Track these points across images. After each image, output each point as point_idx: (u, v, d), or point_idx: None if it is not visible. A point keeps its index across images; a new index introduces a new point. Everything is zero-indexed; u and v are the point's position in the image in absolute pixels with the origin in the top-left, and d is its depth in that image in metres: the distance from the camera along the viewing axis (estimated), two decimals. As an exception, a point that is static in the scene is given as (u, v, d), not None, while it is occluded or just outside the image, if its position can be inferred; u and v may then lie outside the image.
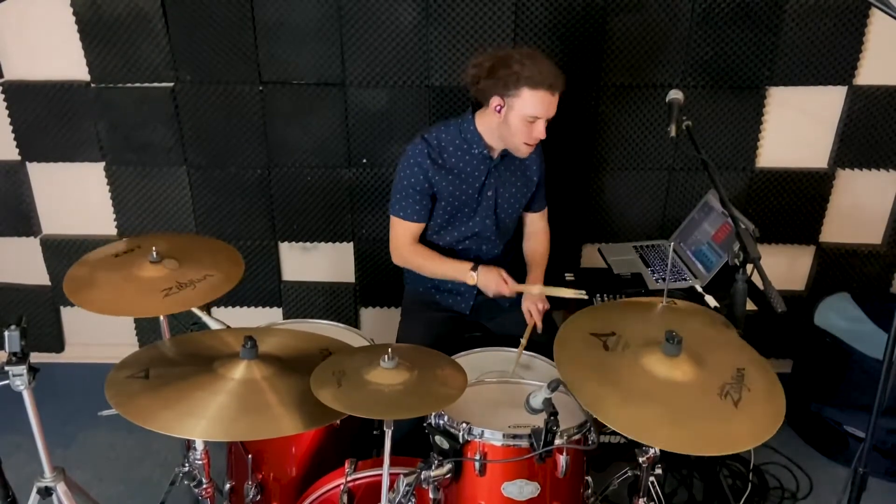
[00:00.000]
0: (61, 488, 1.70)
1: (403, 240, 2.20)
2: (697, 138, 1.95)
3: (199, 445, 1.69)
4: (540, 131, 2.00)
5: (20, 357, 1.54)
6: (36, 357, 1.64)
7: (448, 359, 1.70)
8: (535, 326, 2.15)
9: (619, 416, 1.43)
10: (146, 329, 3.03)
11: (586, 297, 2.08)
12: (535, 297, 2.19)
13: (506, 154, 2.16)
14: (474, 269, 2.14)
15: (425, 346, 1.78)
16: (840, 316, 2.63)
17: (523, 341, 2.03)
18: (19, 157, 2.76)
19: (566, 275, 2.65)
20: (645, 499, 1.73)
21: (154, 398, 1.48)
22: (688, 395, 1.49)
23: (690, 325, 1.77)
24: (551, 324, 2.28)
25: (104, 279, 1.83)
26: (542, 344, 2.01)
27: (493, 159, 2.16)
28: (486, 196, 2.19)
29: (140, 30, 2.52)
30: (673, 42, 2.53)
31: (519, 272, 2.36)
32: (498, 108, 2.01)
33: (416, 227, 2.19)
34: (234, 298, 2.95)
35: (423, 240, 2.25)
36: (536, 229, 2.40)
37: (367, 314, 3.03)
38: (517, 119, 1.99)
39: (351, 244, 2.88)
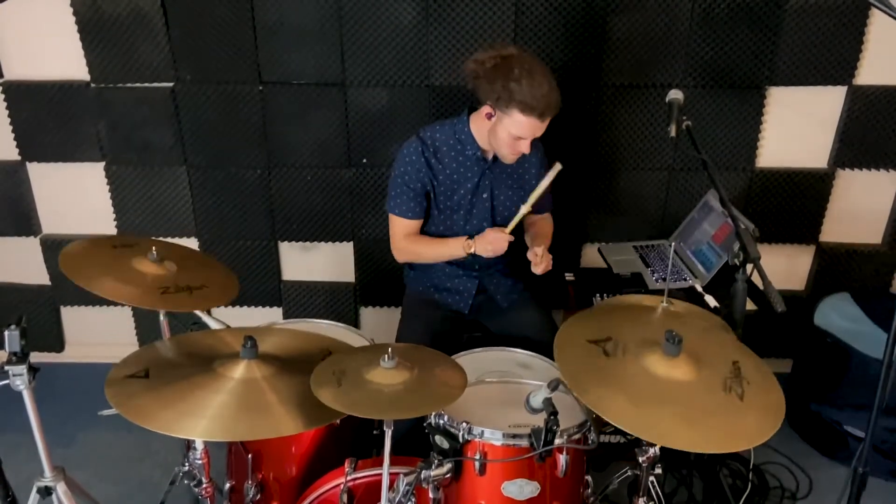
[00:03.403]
0: (61, 488, 1.70)
1: (401, 236, 2.21)
2: (697, 138, 1.95)
3: (199, 445, 1.69)
4: (525, 147, 2.00)
5: (20, 357, 1.54)
6: (36, 357, 1.63)
7: (448, 359, 1.70)
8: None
9: (635, 422, 1.43)
10: (146, 329, 3.03)
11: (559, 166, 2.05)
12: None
13: None
14: (470, 237, 2.15)
15: (425, 345, 1.78)
16: (840, 316, 2.63)
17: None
18: (19, 157, 2.76)
19: (566, 275, 2.65)
20: (645, 498, 1.73)
21: (154, 398, 1.48)
22: (696, 393, 1.50)
23: (678, 323, 1.78)
24: (552, 324, 2.28)
25: (104, 263, 1.83)
26: (543, 344, 2.01)
27: (487, 161, 2.15)
28: (481, 198, 2.18)
29: (140, 30, 2.52)
30: (673, 42, 2.53)
31: (520, 269, 2.35)
32: (488, 115, 2.01)
33: (413, 225, 2.20)
34: (234, 298, 2.95)
35: None
36: (537, 219, 2.38)
37: (367, 314, 3.03)
38: (504, 133, 1.99)
39: (351, 244, 2.88)
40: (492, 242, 2.10)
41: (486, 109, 2.00)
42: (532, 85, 1.88)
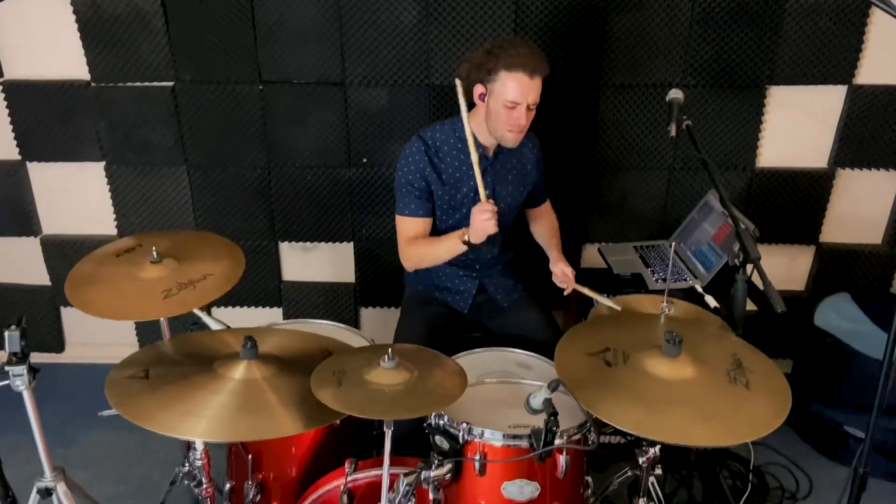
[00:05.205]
0: (61, 488, 1.70)
1: (409, 238, 2.17)
2: (697, 138, 1.95)
3: (199, 445, 1.69)
4: (520, 117, 1.98)
5: (20, 357, 1.54)
6: (36, 357, 1.63)
7: (448, 359, 1.70)
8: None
9: (655, 427, 1.43)
10: (146, 329, 3.03)
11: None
12: (558, 261, 2.19)
13: (501, 151, 2.15)
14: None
15: (423, 341, 1.78)
16: (840, 316, 2.62)
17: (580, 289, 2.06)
18: (19, 157, 2.76)
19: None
20: (645, 499, 1.73)
21: (154, 398, 1.48)
22: (705, 388, 1.51)
23: (671, 323, 1.79)
24: (553, 325, 2.28)
25: (105, 282, 1.83)
26: (545, 344, 2.01)
27: (487, 158, 2.15)
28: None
29: (140, 30, 2.52)
30: (673, 42, 2.53)
31: (520, 269, 2.36)
32: (481, 96, 2.02)
33: (421, 223, 2.17)
34: (234, 298, 2.96)
35: None
36: (540, 213, 2.42)
37: (367, 314, 3.03)
38: (498, 105, 1.98)
39: (351, 244, 2.88)
40: (479, 222, 1.99)
41: (478, 91, 2.02)
42: (514, 46, 1.97)
